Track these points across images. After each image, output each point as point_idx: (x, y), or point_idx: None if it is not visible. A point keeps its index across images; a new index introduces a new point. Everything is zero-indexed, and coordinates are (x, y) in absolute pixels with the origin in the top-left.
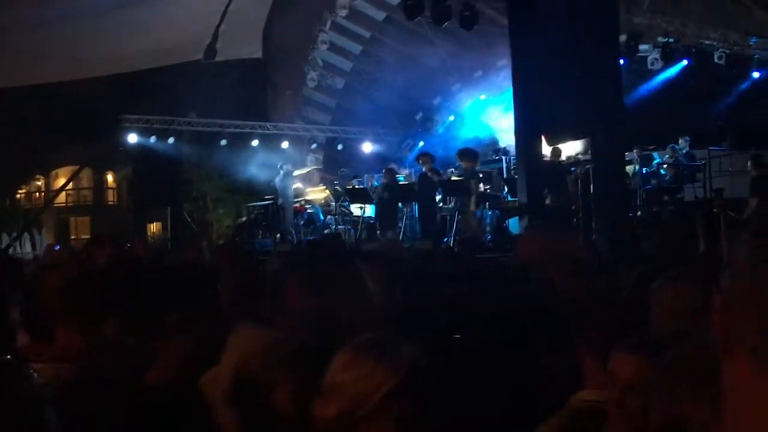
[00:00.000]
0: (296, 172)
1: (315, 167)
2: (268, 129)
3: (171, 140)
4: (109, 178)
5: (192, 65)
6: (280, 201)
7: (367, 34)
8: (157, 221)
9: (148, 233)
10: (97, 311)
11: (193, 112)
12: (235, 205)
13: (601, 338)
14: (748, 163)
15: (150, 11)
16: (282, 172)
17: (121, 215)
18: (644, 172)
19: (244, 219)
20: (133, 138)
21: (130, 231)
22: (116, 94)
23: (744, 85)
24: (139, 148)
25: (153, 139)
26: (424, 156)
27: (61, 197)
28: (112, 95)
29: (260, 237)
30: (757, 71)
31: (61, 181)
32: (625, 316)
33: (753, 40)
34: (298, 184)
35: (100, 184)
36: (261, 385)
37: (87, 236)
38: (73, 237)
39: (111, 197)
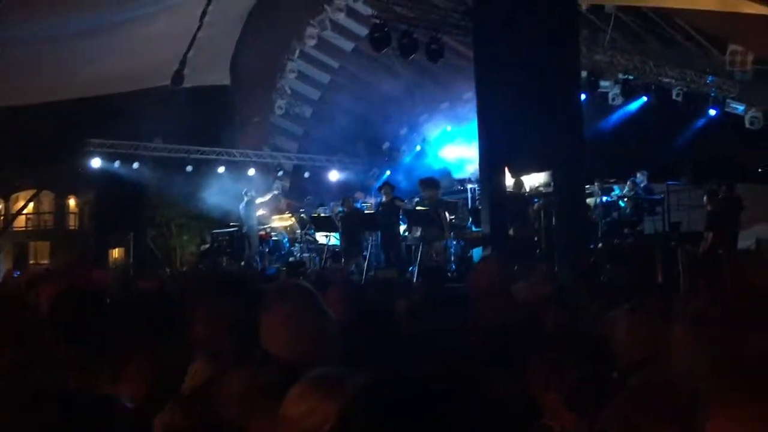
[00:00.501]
0: (259, 200)
1: (276, 193)
2: (235, 156)
3: (135, 165)
4: (71, 202)
5: (159, 91)
6: (244, 228)
7: (336, 64)
8: (119, 247)
9: (110, 259)
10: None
11: (159, 137)
12: (200, 232)
13: (559, 368)
14: (704, 198)
15: (118, 37)
16: (246, 199)
17: (82, 240)
18: (605, 204)
19: (207, 246)
20: (96, 162)
21: (91, 256)
22: (81, 118)
23: (700, 122)
24: (103, 172)
25: (117, 163)
26: (385, 186)
27: (21, 221)
28: (77, 119)
29: (224, 264)
30: (713, 108)
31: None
32: (583, 347)
33: (709, 78)
34: (263, 212)
35: (61, 209)
36: (234, 420)
37: (46, 261)
38: (32, 262)
39: (72, 222)
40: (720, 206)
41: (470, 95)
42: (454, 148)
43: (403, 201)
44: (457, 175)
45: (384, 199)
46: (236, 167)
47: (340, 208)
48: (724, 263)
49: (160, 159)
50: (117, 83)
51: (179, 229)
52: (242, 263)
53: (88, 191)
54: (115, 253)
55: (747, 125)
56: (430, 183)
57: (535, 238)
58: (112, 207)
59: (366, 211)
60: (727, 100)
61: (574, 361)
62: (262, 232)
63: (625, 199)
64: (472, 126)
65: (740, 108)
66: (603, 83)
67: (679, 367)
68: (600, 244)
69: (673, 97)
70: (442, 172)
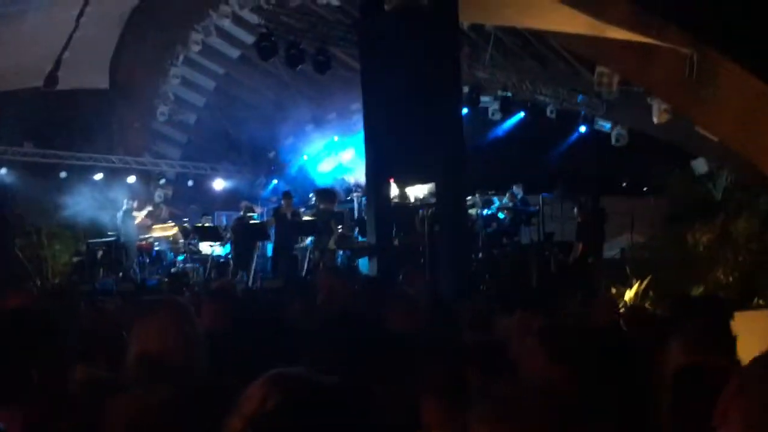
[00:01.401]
0: (135, 213)
1: (151, 209)
2: (113, 162)
3: (3, 171)
4: None
5: (30, 93)
6: (122, 239)
7: (221, 71)
8: None
9: None
10: None
11: (30, 141)
12: (75, 241)
13: (439, 377)
14: (575, 210)
15: None
16: (124, 207)
17: None
18: (485, 215)
19: (82, 257)
20: None
21: None
22: None
23: (572, 138)
24: None
25: None
26: (287, 196)
27: None
28: None
29: (102, 276)
30: (583, 125)
31: None
32: (462, 355)
33: (580, 97)
34: (145, 220)
35: None
36: None
37: None
38: None
39: None
40: (588, 218)
41: (357, 107)
42: (340, 158)
43: (297, 212)
44: (337, 180)
45: (283, 208)
46: (115, 174)
47: (225, 220)
48: (593, 271)
49: (30, 164)
50: None
51: (50, 239)
52: (120, 274)
53: None
54: None
55: (613, 142)
56: (327, 195)
57: (420, 248)
58: None
59: (254, 221)
60: (596, 118)
61: (462, 368)
62: (144, 243)
63: (504, 211)
64: (359, 136)
65: (607, 125)
66: (483, 98)
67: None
68: (480, 254)
69: (547, 114)
70: (337, 180)
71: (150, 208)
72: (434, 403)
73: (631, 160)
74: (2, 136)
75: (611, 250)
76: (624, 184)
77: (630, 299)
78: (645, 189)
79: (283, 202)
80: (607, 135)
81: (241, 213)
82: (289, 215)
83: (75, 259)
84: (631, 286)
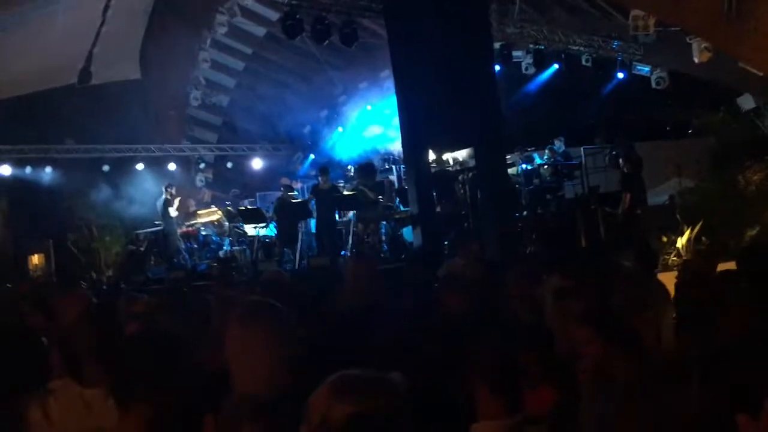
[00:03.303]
0: (171, 210)
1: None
2: (153, 151)
3: (48, 169)
4: None
5: (66, 90)
6: (164, 226)
7: (249, 50)
8: (39, 253)
9: (30, 265)
10: None
11: (71, 138)
12: (124, 232)
13: (493, 365)
14: (620, 160)
15: (18, 37)
16: (163, 197)
17: None
18: (526, 173)
19: (132, 247)
20: (6, 170)
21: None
22: None
23: (610, 86)
24: (15, 179)
25: (28, 169)
26: (323, 172)
27: None
28: None
29: (152, 264)
30: (620, 72)
31: None
32: (518, 340)
33: (615, 43)
34: (187, 206)
35: None
36: None
37: None
38: None
39: None
40: (633, 167)
41: (387, 74)
42: (376, 126)
43: (336, 187)
44: (381, 148)
45: (321, 183)
46: (155, 163)
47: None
48: (642, 222)
49: (73, 161)
50: (20, 85)
51: (101, 231)
52: (173, 261)
53: (0, 200)
54: (35, 259)
55: (653, 86)
56: (366, 169)
57: (463, 212)
58: (28, 213)
59: (296, 200)
60: (634, 63)
61: (517, 355)
62: (190, 229)
63: (545, 166)
64: (392, 104)
65: (646, 69)
66: (516, 53)
67: None
68: (525, 212)
69: (583, 63)
70: (375, 149)
71: (179, 198)
72: (487, 393)
73: (674, 102)
74: (43, 136)
75: (659, 197)
76: (668, 128)
77: (682, 246)
78: (690, 131)
79: (320, 177)
80: (647, 79)
81: (281, 192)
82: (327, 190)
83: (126, 250)
84: (682, 233)
